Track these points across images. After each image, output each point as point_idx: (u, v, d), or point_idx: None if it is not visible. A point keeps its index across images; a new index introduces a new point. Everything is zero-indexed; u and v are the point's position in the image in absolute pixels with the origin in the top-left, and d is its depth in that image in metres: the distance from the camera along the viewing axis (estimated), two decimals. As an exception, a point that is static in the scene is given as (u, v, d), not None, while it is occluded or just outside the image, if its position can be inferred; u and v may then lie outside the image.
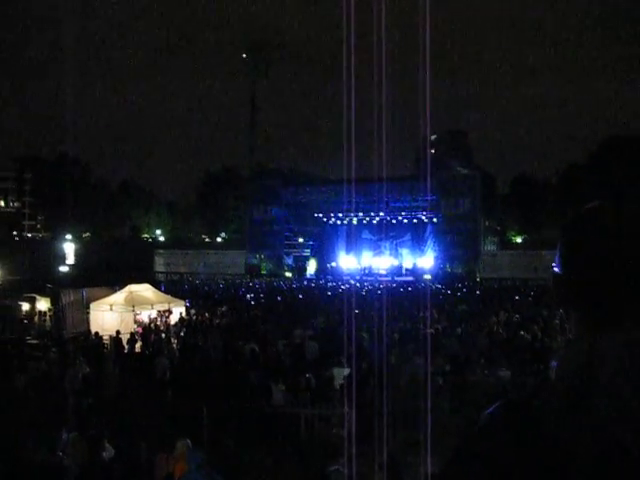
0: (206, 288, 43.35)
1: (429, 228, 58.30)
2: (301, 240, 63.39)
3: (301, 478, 9.85)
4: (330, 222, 62.96)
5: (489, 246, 60.81)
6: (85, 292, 25.89)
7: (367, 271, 57.68)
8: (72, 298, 25.39)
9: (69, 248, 60.89)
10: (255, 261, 62.66)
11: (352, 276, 52.58)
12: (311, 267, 62.70)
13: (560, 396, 1.12)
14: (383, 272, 56.33)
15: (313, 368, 14.46)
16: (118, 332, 19.72)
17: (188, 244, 75.81)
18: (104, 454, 8.64)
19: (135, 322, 22.83)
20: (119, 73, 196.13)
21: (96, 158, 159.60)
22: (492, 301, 30.61)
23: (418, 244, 59.34)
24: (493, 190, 64.89)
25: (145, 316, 23.58)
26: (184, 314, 25.15)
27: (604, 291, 1.14)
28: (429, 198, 55.71)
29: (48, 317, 26.24)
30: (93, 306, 24.06)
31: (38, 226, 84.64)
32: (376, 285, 40.69)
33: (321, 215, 62.68)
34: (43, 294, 28.41)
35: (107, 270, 42.18)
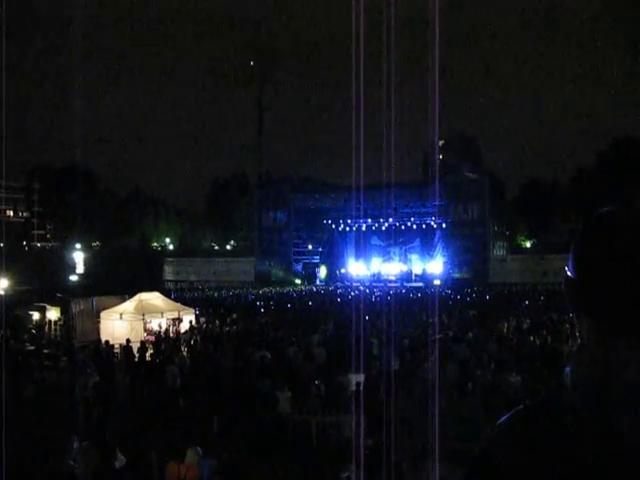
0: (216, 295, 43.38)
1: (438, 233, 58.19)
2: (310, 247, 63.41)
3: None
4: (339, 228, 62.92)
5: (498, 251, 60.66)
6: (95, 301, 25.95)
7: (376, 277, 57.63)
8: (82, 307, 25.46)
9: (78, 257, 61.16)
10: (264, 268, 62.67)
11: (362, 282, 52.57)
12: (321, 274, 62.68)
13: (576, 404, 1.11)
14: (392, 278, 56.28)
15: (324, 374, 14.44)
16: (128, 340, 19.71)
17: (197, 252, 75.94)
18: (115, 463, 8.64)
19: (145, 330, 22.86)
20: (126, 81, 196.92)
21: (104, 167, 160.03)
22: (502, 306, 30.52)
23: (427, 250, 59.25)
24: (502, 195, 64.72)
25: (155, 324, 23.59)
26: (194, 322, 25.16)
27: (620, 296, 1.12)
28: (438, 203, 55.64)
29: (58, 326, 26.31)
30: (103, 315, 24.09)
31: (47, 236, 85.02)
32: (386, 291, 40.64)
33: (330, 221, 62.68)
34: (53, 303, 28.50)
35: (117, 279, 42.28)
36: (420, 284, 52.77)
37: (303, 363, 16.23)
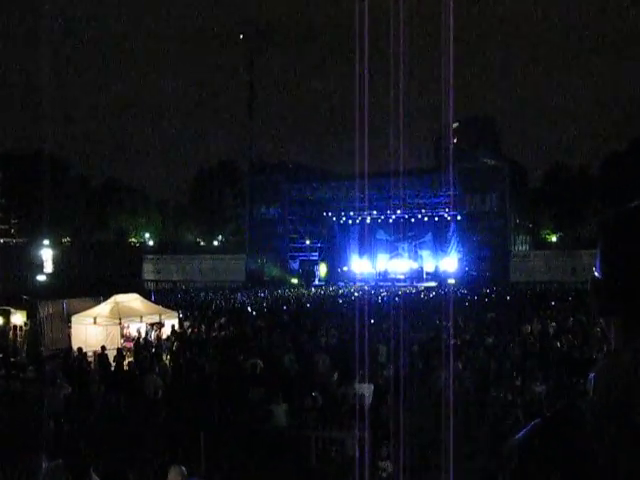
0: (202, 297, 43.40)
1: (452, 227, 58.17)
2: (308, 242, 63.38)
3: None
4: (341, 221, 62.97)
5: (520, 246, 60.74)
6: (66, 304, 25.94)
7: (383, 276, 57.69)
8: (51, 310, 25.45)
9: (47, 255, 60.91)
10: (257, 266, 62.69)
11: (366, 281, 52.60)
12: (320, 272, 62.71)
13: (601, 413, 1.11)
14: (401, 277, 56.42)
15: (323, 384, 14.47)
16: (103, 348, 19.76)
17: (181, 248, 75.95)
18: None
19: (122, 336, 22.87)
20: (102, 62, 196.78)
21: (77, 155, 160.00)
22: (525, 308, 30.56)
23: (440, 245, 59.27)
24: (524, 183, 64.75)
25: (134, 329, 23.61)
26: (177, 327, 25.18)
27: None
28: (452, 193, 55.61)
29: (24, 332, 26.30)
30: (75, 319, 24.10)
31: (12, 231, 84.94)
32: (393, 291, 40.68)
33: (330, 214, 62.73)
34: (18, 307, 28.43)
35: (90, 279, 42.27)
36: (432, 283, 52.86)
37: (302, 372, 16.27)
